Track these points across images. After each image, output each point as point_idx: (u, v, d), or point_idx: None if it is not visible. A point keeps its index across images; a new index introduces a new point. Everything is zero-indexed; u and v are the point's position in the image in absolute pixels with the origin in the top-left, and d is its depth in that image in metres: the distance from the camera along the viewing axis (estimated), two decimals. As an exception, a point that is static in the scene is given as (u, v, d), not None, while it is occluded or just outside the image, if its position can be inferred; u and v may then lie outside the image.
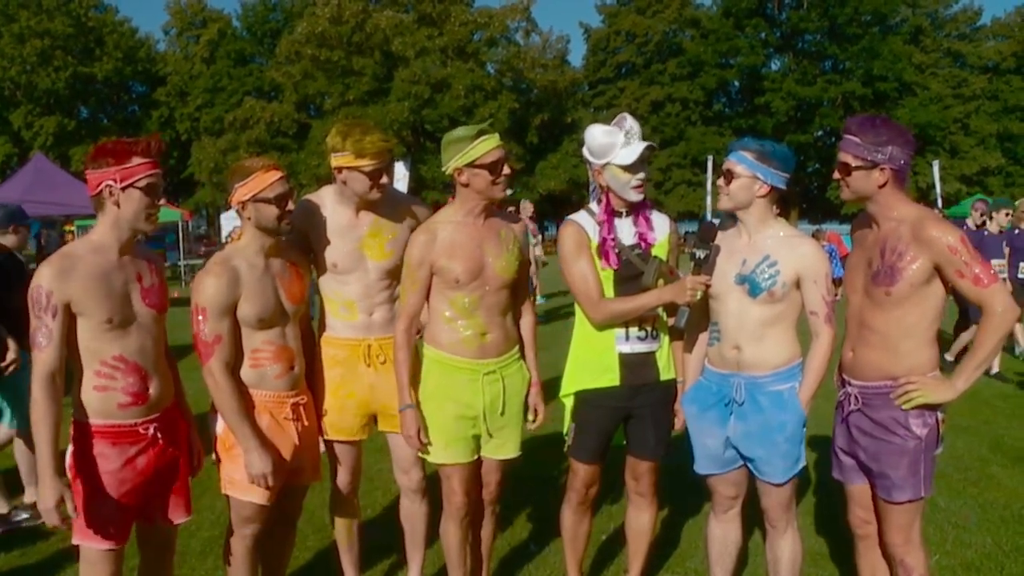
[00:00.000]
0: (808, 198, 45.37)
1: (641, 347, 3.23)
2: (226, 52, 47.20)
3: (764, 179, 2.99)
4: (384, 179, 3.17)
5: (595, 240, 3.19)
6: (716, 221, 3.11)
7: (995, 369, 8.47)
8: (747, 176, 2.99)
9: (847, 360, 3.00)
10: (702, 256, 3.00)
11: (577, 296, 3.21)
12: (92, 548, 2.70)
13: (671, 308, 3.21)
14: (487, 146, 3.07)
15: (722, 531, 3.34)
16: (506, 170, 3.13)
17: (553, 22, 78.27)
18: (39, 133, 42.77)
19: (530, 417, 3.41)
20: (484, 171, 3.09)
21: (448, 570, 3.45)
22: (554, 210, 39.80)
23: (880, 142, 2.78)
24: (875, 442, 2.90)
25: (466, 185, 3.14)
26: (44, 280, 2.55)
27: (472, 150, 3.07)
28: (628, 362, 3.22)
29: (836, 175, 2.92)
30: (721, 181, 3.07)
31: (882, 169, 2.79)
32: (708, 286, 3.01)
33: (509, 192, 3.27)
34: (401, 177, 13.54)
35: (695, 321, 3.19)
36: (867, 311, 2.90)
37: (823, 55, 45.79)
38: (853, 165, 2.83)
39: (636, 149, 3.08)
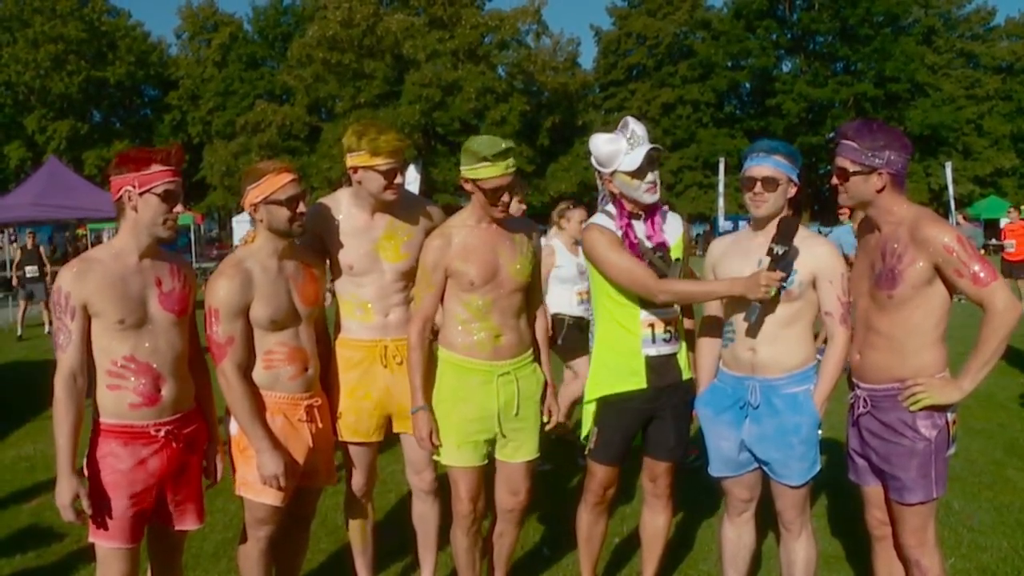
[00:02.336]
0: (820, 199, 45.20)
1: (666, 349, 3.23)
2: (238, 56, 47.46)
3: (796, 181, 3.06)
4: (399, 179, 3.19)
5: (623, 244, 3.17)
6: (798, 218, 3.07)
7: None
8: (784, 181, 3.03)
9: (855, 363, 3.00)
10: (780, 252, 2.90)
11: (631, 286, 3.12)
12: (105, 546, 2.74)
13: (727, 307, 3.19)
14: (487, 173, 3.06)
15: (736, 533, 3.34)
16: (505, 198, 3.12)
17: (564, 24, 78.51)
18: (52, 137, 43.11)
19: (545, 418, 3.42)
20: (482, 193, 3.12)
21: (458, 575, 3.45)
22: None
23: (877, 147, 2.79)
24: (885, 444, 2.90)
25: (472, 192, 3.17)
26: (64, 283, 2.64)
27: (475, 171, 3.09)
28: (654, 364, 3.21)
29: (835, 180, 2.92)
30: (759, 188, 3.03)
31: (880, 174, 2.80)
32: (782, 284, 2.94)
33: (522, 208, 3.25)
34: (413, 180, 13.58)
35: (714, 323, 3.22)
36: (872, 314, 2.90)
37: (835, 56, 45.65)
38: (851, 170, 2.84)
39: (639, 154, 3.06)
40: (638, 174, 3.08)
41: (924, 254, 2.72)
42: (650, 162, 3.09)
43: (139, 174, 2.69)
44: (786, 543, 3.22)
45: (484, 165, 3.06)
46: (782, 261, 2.91)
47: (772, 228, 3.06)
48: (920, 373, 2.82)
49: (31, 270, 14.26)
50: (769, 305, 2.99)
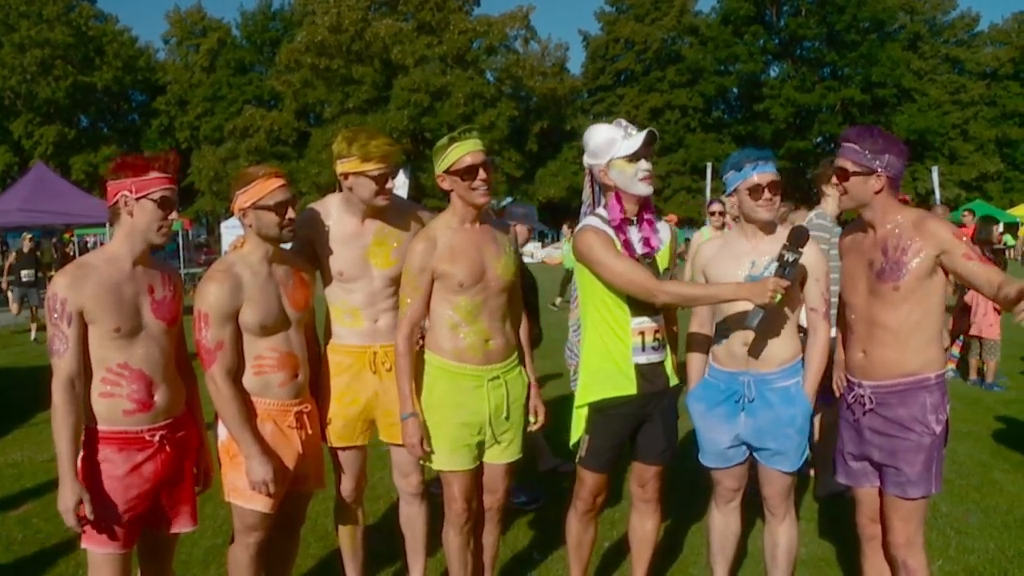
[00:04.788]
0: (808, 204, 45.17)
1: (655, 356, 3.25)
2: (226, 61, 47.36)
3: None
4: (389, 184, 3.19)
5: (618, 245, 3.18)
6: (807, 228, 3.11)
7: (989, 379, 8.44)
8: (781, 184, 3.15)
9: (857, 362, 3.05)
10: (790, 259, 2.94)
11: (629, 287, 3.10)
12: (98, 552, 2.74)
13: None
14: (459, 151, 3.07)
15: (723, 521, 3.46)
16: (482, 175, 3.10)
17: (552, 30, 78.59)
18: (39, 142, 42.88)
19: (531, 419, 3.43)
20: (458, 177, 3.10)
21: (450, 577, 3.45)
22: (553, 217, 39.64)
23: (878, 149, 2.90)
24: (890, 440, 2.95)
25: (451, 191, 3.16)
26: (59, 289, 2.64)
27: (447, 157, 3.09)
28: (644, 371, 3.23)
29: (834, 181, 3.02)
30: (769, 194, 3.10)
31: (879, 176, 2.90)
32: (786, 291, 2.96)
33: (508, 200, 3.26)
34: (401, 185, 13.56)
35: (706, 317, 3.35)
36: (877, 310, 2.96)
37: (822, 62, 45.86)
38: (851, 171, 2.93)
39: (639, 137, 3.09)
40: (635, 158, 3.10)
41: (931, 244, 2.84)
42: (646, 148, 3.10)
43: (137, 179, 2.71)
44: (771, 527, 3.35)
45: (453, 147, 3.08)
46: (791, 268, 2.95)
47: (764, 232, 3.18)
48: (927, 367, 2.92)
49: (27, 274, 13.99)
50: (771, 310, 3.04)
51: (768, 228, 3.18)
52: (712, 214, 7.50)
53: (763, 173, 3.10)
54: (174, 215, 2.78)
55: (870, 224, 3.00)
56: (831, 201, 4.83)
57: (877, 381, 2.98)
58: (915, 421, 2.91)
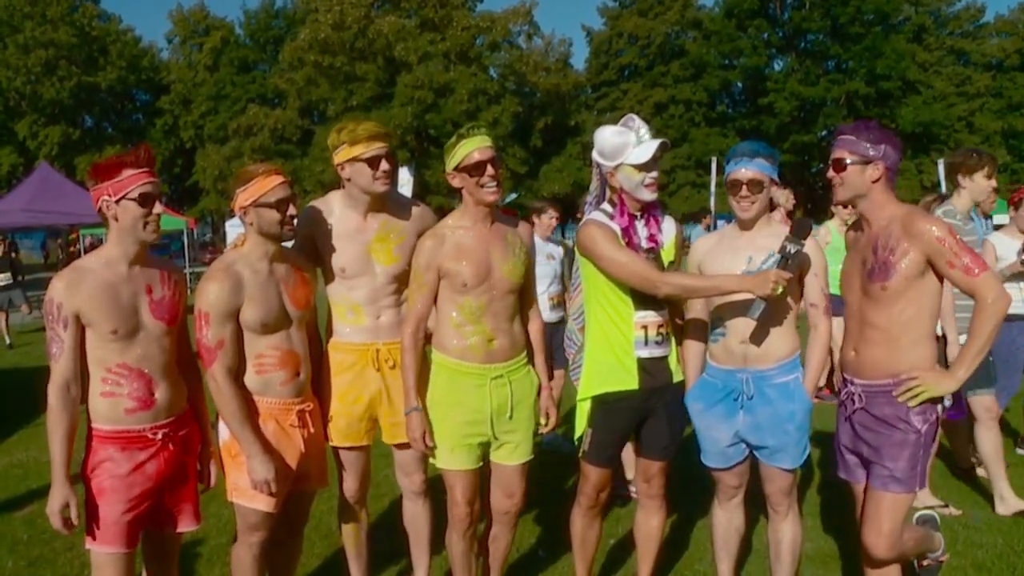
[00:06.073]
0: (812, 198, 45.24)
1: (658, 351, 3.24)
2: (229, 59, 47.32)
3: (776, 180, 3.15)
4: (385, 166, 3.16)
5: (621, 240, 3.17)
6: (811, 220, 3.10)
7: None
8: (767, 182, 3.12)
9: (850, 359, 3.05)
10: (792, 251, 2.94)
11: (631, 279, 3.10)
12: (102, 552, 2.74)
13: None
14: (467, 148, 3.07)
15: (726, 518, 3.45)
16: (490, 171, 3.08)
17: (555, 25, 78.56)
18: (44, 143, 42.93)
19: (542, 421, 3.40)
20: (467, 173, 3.09)
21: (454, 577, 3.44)
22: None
23: (874, 139, 2.89)
24: (877, 435, 2.95)
25: (461, 189, 3.14)
26: (55, 293, 2.66)
27: (455, 153, 3.08)
28: (646, 366, 3.22)
29: (830, 173, 2.98)
30: (745, 191, 3.10)
31: (876, 164, 2.88)
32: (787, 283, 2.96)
33: (513, 196, 3.25)
34: (406, 182, 13.58)
35: (701, 314, 3.31)
36: (868, 309, 2.95)
37: (826, 55, 45.66)
38: (849, 160, 2.91)
39: (650, 147, 3.08)
40: (645, 168, 3.09)
41: (917, 245, 2.80)
42: (655, 158, 3.10)
43: (112, 182, 2.70)
44: (774, 524, 3.35)
45: (462, 144, 3.07)
46: (794, 260, 2.94)
47: (760, 227, 3.18)
48: (915, 368, 2.88)
49: (3, 278, 13.67)
50: (773, 302, 3.01)
51: (747, 225, 3.19)
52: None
53: (741, 170, 3.11)
54: (159, 208, 2.76)
55: (865, 219, 2.99)
56: (964, 195, 4.70)
57: (867, 380, 2.97)
58: (899, 420, 2.90)
